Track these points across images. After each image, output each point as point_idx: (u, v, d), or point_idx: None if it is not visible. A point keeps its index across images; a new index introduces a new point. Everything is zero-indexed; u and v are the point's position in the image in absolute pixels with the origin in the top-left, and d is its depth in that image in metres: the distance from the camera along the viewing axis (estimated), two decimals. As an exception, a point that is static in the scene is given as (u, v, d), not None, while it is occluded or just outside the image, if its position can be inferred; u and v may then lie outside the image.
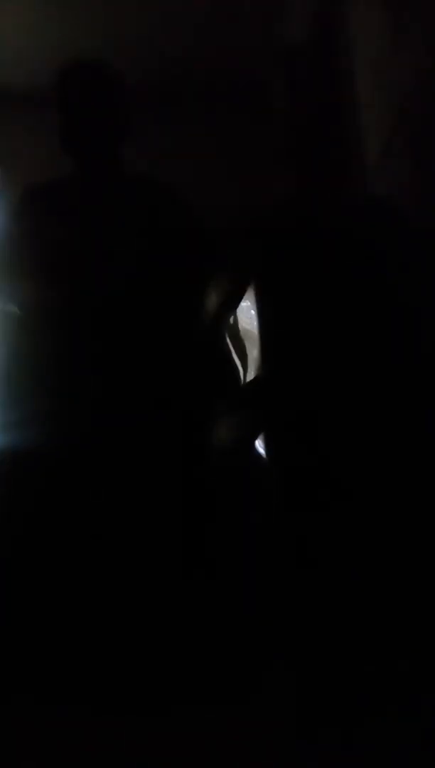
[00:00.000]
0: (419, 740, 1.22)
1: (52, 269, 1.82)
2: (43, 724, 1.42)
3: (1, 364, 1.82)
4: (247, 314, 1.78)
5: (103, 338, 1.77)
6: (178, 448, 1.70)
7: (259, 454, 1.60)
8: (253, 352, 1.71)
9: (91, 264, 1.79)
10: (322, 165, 2.95)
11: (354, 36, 2.72)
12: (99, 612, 1.53)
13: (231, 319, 1.82)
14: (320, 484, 1.40)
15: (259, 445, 1.59)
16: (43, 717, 1.44)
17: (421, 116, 2.04)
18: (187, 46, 3.95)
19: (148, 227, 1.84)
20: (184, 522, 1.63)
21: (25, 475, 1.66)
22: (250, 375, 1.78)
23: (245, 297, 1.68)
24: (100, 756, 1.35)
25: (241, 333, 1.84)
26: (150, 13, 3.74)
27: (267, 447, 1.53)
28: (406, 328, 1.48)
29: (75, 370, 1.76)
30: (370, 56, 2.52)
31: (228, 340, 1.81)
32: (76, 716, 1.42)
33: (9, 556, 1.58)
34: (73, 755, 1.35)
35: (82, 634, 1.51)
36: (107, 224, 1.83)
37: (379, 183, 2.42)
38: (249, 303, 1.69)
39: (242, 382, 1.77)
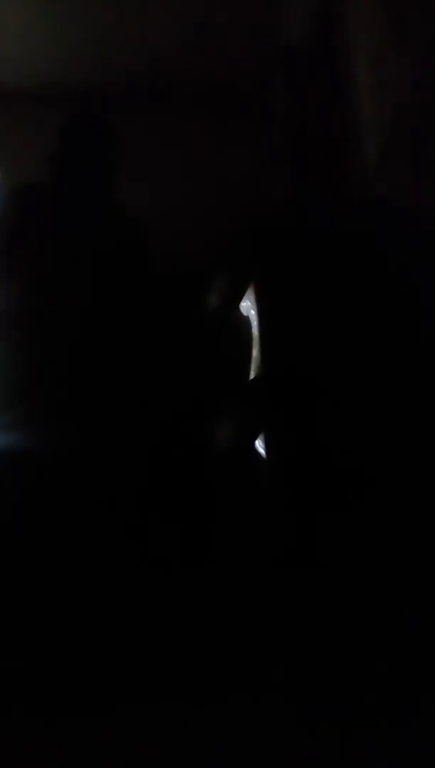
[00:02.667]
0: (419, 736, 1.22)
1: (31, 270, 1.88)
2: (41, 723, 1.42)
3: None
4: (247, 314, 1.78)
5: (91, 343, 1.82)
6: (176, 449, 1.70)
7: (259, 454, 1.60)
8: (253, 352, 1.71)
9: (65, 271, 1.87)
10: (322, 165, 2.95)
11: (354, 36, 2.72)
12: (95, 609, 1.54)
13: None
14: (320, 484, 1.40)
15: (259, 445, 1.59)
16: (41, 714, 1.44)
17: (421, 116, 2.04)
18: (187, 47, 3.95)
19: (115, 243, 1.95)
20: (183, 522, 1.63)
21: (19, 476, 1.66)
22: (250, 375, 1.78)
23: (245, 297, 1.69)
24: (99, 752, 1.35)
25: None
26: (149, 13, 3.74)
27: (267, 447, 1.53)
28: (406, 327, 1.48)
29: (64, 372, 1.78)
30: (370, 56, 2.52)
31: (228, 339, 1.82)
32: (73, 710, 1.42)
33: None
34: (71, 751, 1.35)
35: (77, 631, 1.52)
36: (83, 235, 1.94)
37: (379, 183, 2.42)
38: (249, 303, 1.69)
39: (244, 380, 1.77)
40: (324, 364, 1.47)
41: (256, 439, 1.58)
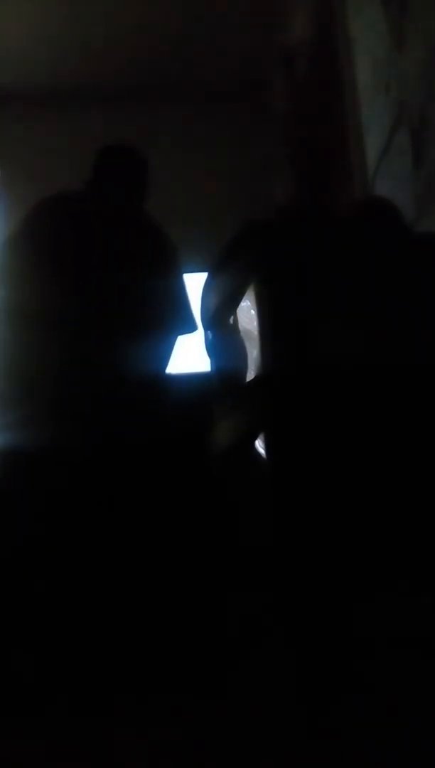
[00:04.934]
0: (420, 720, 1.23)
1: (52, 274, 1.90)
2: (40, 714, 1.43)
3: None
4: (247, 314, 1.78)
5: (99, 341, 1.82)
6: (176, 450, 1.70)
7: (259, 454, 1.60)
8: (253, 352, 1.71)
9: (88, 273, 1.89)
10: (323, 165, 2.95)
11: (354, 36, 2.72)
12: (94, 608, 1.54)
13: (231, 319, 1.83)
14: (320, 484, 1.40)
15: (259, 445, 1.59)
16: (41, 706, 1.44)
17: (421, 116, 2.04)
18: (187, 47, 3.95)
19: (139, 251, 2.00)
20: (183, 521, 1.63)
21: (21, 475, 1.67)
22: (251, 375, 1.78)
23: (245, 297, 1.69)
24: (98, 752, 1.35)
25: (241, 333, 1.85)
26: (149, 13, 3.75)
27: (267, 447, 1.53)
28: (407, 327, 1.49)
29: (72, 373, 1.79)
30: (370, 56, 2.52)
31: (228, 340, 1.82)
32: (72, 709, 1.43)
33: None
34: (71, 750, 1.35)
35: (76, 630, 1.52)
36: (108, 242, 1.97)
37: (379, 183, 2.42)
38: (249, 303, 1.69)
39: (243, 381, 1.78)
40: (325, 364, 1.47)
41: (256, 439, 1.58)
